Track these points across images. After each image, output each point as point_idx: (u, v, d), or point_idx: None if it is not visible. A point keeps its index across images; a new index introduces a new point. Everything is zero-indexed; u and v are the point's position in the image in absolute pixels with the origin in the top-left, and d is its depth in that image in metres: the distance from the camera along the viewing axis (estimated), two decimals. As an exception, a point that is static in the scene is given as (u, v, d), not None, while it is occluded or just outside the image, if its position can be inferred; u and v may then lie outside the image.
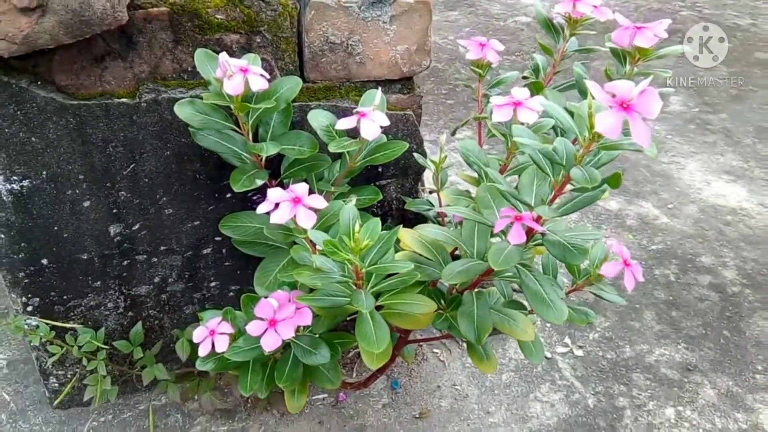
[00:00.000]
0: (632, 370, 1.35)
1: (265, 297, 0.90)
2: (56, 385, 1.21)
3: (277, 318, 0.87)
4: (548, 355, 1.38)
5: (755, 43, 3.12)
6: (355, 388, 1.26)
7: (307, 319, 0.88)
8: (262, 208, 0.83)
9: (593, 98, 0.61)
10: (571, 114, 0.69)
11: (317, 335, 0.93)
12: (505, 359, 1.37)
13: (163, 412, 1.24)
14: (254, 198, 1.13)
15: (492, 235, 0.90)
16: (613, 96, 0.61)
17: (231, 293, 1.23)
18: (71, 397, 1.23)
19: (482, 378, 1.32)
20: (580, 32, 1.08)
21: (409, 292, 0.85)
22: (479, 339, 0.81)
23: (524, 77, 1.15)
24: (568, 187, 0.73)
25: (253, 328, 0.88)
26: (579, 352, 1.39)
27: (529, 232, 0.76)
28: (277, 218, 0.81)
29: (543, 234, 0.74)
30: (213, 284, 1.21)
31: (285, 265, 1.05)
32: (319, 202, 0.83)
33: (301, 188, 0.84)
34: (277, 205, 0.83)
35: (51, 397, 1.22)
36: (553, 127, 0.95)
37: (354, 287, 0.81)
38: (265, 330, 0.87)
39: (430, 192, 1.25)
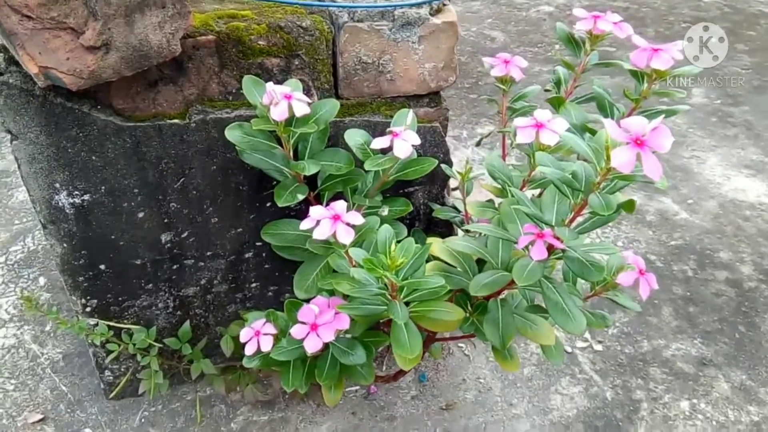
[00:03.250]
0: (649, 364, 1.42)
1: (306, 302, 0.98)
2: (111, 377, 1.31)
3: (318, 322, 0.96)
4: (568, 349, 1.45)
5: (780, 32, 3.10)
6: (386, 381, 1.35)
7: (345, 323, 0.96)
8: (304, 225, 0.91)
9: (610, 134, 0.67)
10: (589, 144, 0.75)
11: (353, 337, 1.02)
12: (527, 354, 1.44)
13: (208, 403, 1.34)
14: (292, 207, 1.21)
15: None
16: (627, 132, 0.68)
17: (270, 293, 1.32)
18: (124, 390, 1.33)
19: (505, 372, 1.40)
20: (599, 48, 1.13)
21: (438, 300, 0.92)
22: (504, 344, 0.89)
23: (546, 90, 1.21)
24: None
25: (296, 331, 0.96)
26: (598, 347, 1.46)
27: (551, 249, 0.83)
28: (318, 234, 0.89)
29: (563, 251, 0.80)
30: (254, 285, 1.30)
31: (322, 270, 1.13)
32: (356, 218, 0.91)
33: (340, 206, 0.92)
34: (318, 222, 0.91)
35: (105, 389, 1.33)
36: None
37: (389, 298, 0.89)
38: (308, 333, 0.96)
39: (454, 189, 1.30)
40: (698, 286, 1.65)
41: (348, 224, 0.90)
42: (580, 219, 0.83)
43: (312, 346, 0.95)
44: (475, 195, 1.22)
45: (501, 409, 1.32)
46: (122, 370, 1.31)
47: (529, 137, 0.90)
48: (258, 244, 1.24)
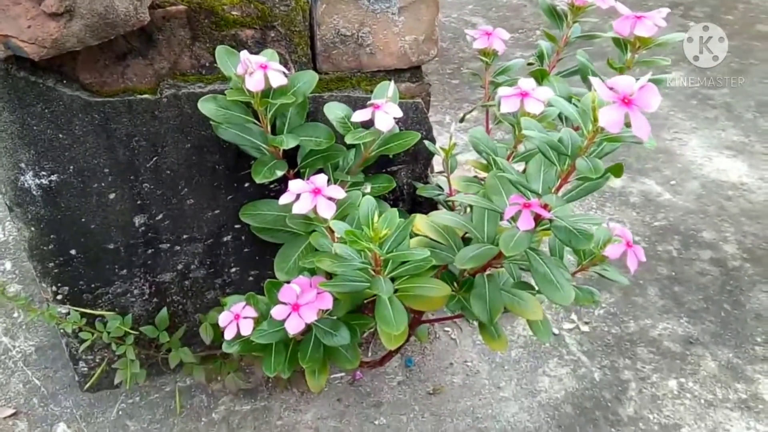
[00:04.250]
0: (636, 344, 1.41)
1: (287, 282, 0.94)
2: (85, 369, 1.27)
3: (300, 302, 0.92)
4: (556, 331, 1.43)
5: (757, 16, 3.12)
6: (371, 366, 1.32)
7: (328, 303, 0.93)
8: (284, 199, 0.88)
9: (596, 93, 0.65)
10: (575, 105, 0.72)
11: (337, 318, 0.98)
12: (514, 336, 1.42)
13: (188, 393, 1.30)
14: (271, 187, 1.17)
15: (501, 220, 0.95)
16: (615, 91, 0.65)
17: (250, 278, 1.28)
18: (100, 381, 1.29)
19: (492, 355, 1.38)
20: (582, 19, 1.11)
21: (423, 276, 0.89)
22: (491, 320, 0.86)
23: (529, 64, 1.18)
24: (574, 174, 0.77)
25: (277, 312, 0.93)
26: (585, 328, 1.44)
27: (537, 218, 0.80)
28: (298, 209, 0.85)
29: (551, 220, 0.78)
30: (233, 270, 1.26)
31: (304, 251, 1.10)
32: (337, 192, 0.87)
33: (321, 179, 0.88)
34: (298, 196, 0.87)
35: (80, 381, 1.28)
36: (559, 115, 0.98)
37: (372, 273, 0.86)
38: (289, 314, 0.92)
39: (439, 173, 1.28)
40: (683, 265, 1.64)
41: (329, 198, 0.86)
42: (567, 187, 0.81)
43: (294, 327, 0.91)
44: (459, 174, 1.19)
45: (489, 392, 1.30)
46: (97, 360, 1.26)
47: (514, 106, 0.87)
48: (236, 226, 1.20)
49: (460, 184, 1.00)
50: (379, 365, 1.32)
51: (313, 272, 1.00)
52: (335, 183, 1.06)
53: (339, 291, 0.86)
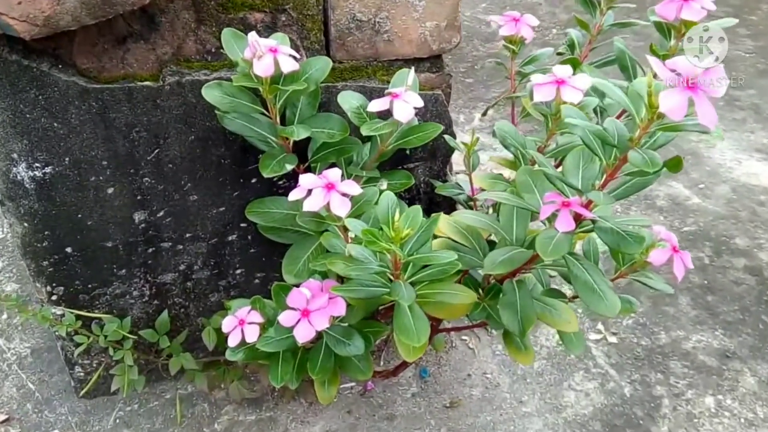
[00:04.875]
0: (669, 358, 1.32)
1: (297, 286, 0.87)
2: (81, 374, 1.19)
3: (310, 308, 0.84)
4: (581, 341, 1.34)
5: (785, 17, 3.02)
6: (384, 377, 1.24)
7: (340, 309, 0.85)
8: (294, 195, 0.80)
9: (652, 77, 0.56)
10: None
11: (349, 325, 0.90)
12: (537, 347, 1.34)
13: (189, 401, 1.23)
14: (280, 183, 1.10)
15: (531, 220, 0.87)
16: (677, 73, 0.57)
17: (257, 281, 1.20)
18: (97, 387, 1.21)
19: (514, 366, 1.29)
20: (618, 5, 1.03)
21: (446, 281, 0.81)
22: (524, 331, 0.78)
23: (559, 53, 1.10)
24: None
25: (285, 318, 0.85)
26: (613, 339, 1.35)
27: (577, 219, 0.72)
28: (310, 205, 0.78)
29: (593, 221, 0.69)
30: (238, 272, 1.18)
31: (314, 253, 1.02)
32: (352, 188, 0.80)
33: (334, 174, 0.80)
34: (309, 191, 0.79)
35: (76, 387, 1.21)
36: (595, 109, 0.90)
37: (391, 277, 0.78)
38: (298, 320, 0.84)
39: (456, 173, 1.20)
40: (716, 273, 1.54)
41: (343, 194, 0.78)
42: (610, 185, 0.72)
43: (303, 334, 0.83)
44: (479, 174, 1.10)
45: (510, 407, 1.21)
46: (94, 365, 1.19)
47: (548, 95, 0.79)
48: (242, 225, 1.12)
49: (485, 181, 0.92)
50: (392, 375, 1.24)
51: (324, 275, 0.92)
52: (349, 179, 0.98)
53: (353, 297, 0.78)
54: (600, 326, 1.38)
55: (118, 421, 1.19)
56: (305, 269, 1.01)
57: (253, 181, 1.08)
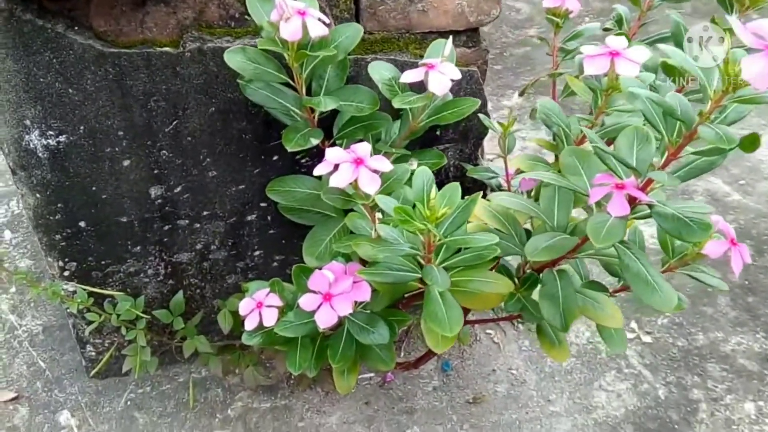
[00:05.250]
0: (706, 360, 1.24)
1: (319, 268, 0.81)
2: (93, 353, 1.15)
3: (333, 292, 0.79)
4: (613, 339, 1.27)
5: (832, 10, 2.89)
6: (404, 368, 1.18)
7: (365, 294, 0.79)
8: (319, 170, 0.74)
9: (739, 35, 0.49)
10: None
11: (373, 312, 0.85)
12: (566, 343, 1.27)
13: (203, 386, 1.18)
14: (303, 162, 1.04)
15: (576, 206, 0.80)
16: (760, 37, 0.50)
17: (275, 263, 1.15)
18: (109, 367, 1.17)
19: (541, 363, 1.23)
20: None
21: (480, 268, 0.75)
22: (566, 325, 0.72)
23: (605, 29, 1.03)
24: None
25: (306, 302, 0.79)
26: (647, 339, 1.28)
27: (631, 203, 0.65)
28: (336, 181, 0.72)
29: (650, 206, 0.63)
30: (257, 253, 1.13)
31: (337, 235, 0.97)
32: (383, 164, 0.74)
33: (363, 148, 0.75)
34: (336, 166, 0.73)
35: (88, 366, 1.17)
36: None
37: (422, 261, 0.72)
38: (320, 305, 0.79)
39: (490, 159, 1.13)
40: (757, 274, 1.46)
41: (373, 170, 0.72)
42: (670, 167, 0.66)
43: (325, 320, 0.78)
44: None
45: (537, 405, 1.15)
46: (106, 345, 1.15)
47: (601, 68, 0.72)
48: (262, 204, 1.07)
49: (524, 162, 0.85)
50: (413, 368, 1.18)
51: (347, 258, 0.87)
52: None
53: (381, 281, 0.72)
54: (633, 324, 1.31)
55: (129, 403, 1.16)
56: (327, 251, 0.96)
57: (275, 158, 1.02)
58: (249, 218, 1.08)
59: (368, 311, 0.85)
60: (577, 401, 1.16)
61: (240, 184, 1.03)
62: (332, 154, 0.74)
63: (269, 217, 1.09)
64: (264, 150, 1.01)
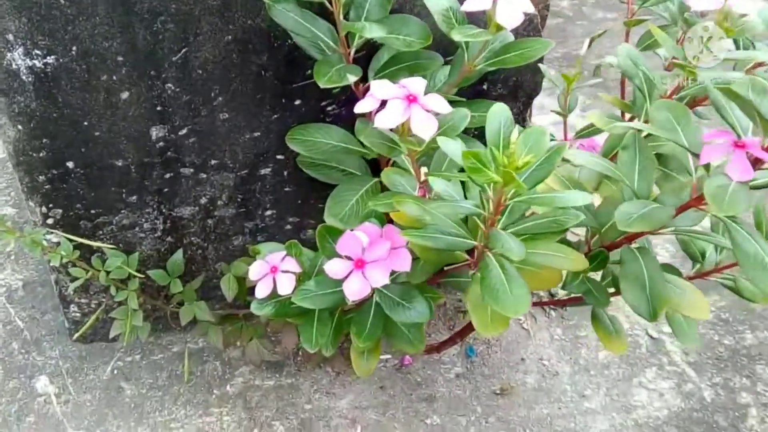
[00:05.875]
0: (755, 361, 1.13)
1: (351, 230, 0.68)
2: (78, 314, 1.02)
3: (367, 258, 0.66)
4: (654, 334, 1.16)
5: None
6: (426, 351, 1.06)
7: (404, 262, 0.67)
8: (362, 106, 0.61)
9: None
10: None
11: (411, 285, 0.72)
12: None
13: (199, 357, 1.06)
14: (329, 109, 0.91)
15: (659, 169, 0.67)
16: None
17: (288, 226, 1.02)
18: (95, 331, 1.05)
19: (574, 354, 1.11)
20: None
21: (549, 239, 0.62)
22: (655, 312, 0.59)
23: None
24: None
25: (333, 268, 0.67)
26: (690, 333, 1.16)
27: (756, 164, 0.52)
28: (384, 121, 0.59)
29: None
30: (268, 213, 1.00)
31: (366, 195, 0.84)
32: (441, 104, 0.60)
33: (417, 84, 0.61)
34: (383, 103, 0.60)
35: (71, 329, 1.04)
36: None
37: (482, 226, 0.59)
38: (350, 272, 0.66)
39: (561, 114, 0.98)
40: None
41: (429, 111, 0.59)
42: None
43: (355, 290, 0.65)
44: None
45: (571, 400, 1.03)
46: (92, 306, 1.02)
47: (712, 3, 0.59)
48: (279, 157, 0.93)
49: (601, 119, 0.72)
50: (435, 351, 1.06)
51: (382, 221, 0.74)
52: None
53: (432, 246, 0.59)
54: (675, 317, 1.19)
55: (116, 372, 1.03)
56: (354, 214, 0.83)
57: (298, 102, 0.89)
58: (262, 172, 0.94)
59: (403, 284, 0.72)
60: (614, 399, 1.04)
61: (255, 131, 0.90)
62: (380, 87, 0.60)
63: (285, 173, 0.95)
64: (285, 92, 0.87)
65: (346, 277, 0.66)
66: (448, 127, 0.64)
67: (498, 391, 1.04)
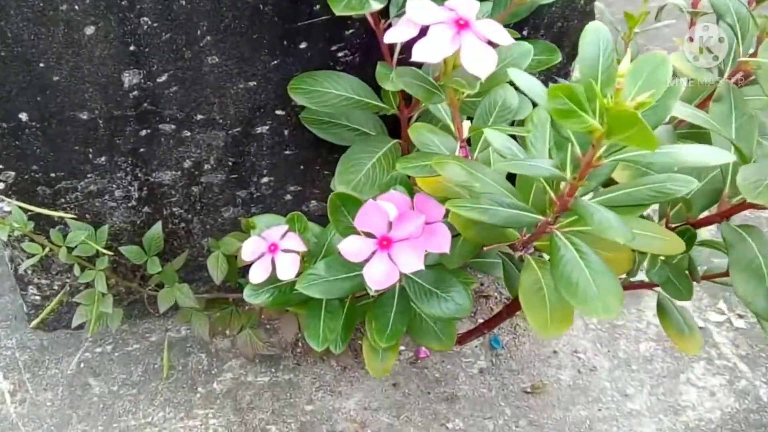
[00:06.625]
0: (814, 356, 1.00)
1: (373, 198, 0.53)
2: (37, 297, 0.87)
3: (394, 236, 0.51)
4: (700, 323, 1.02)
5: None
6: (445, 343, 0.92)
7: (443, 242, 0.52)
8: (394, 35, 0.46)
9: None
10: None
11: (444, 270, 0.57)
12: (642, 324, 1.02)
13: (182, 349, 0.91)
14: (340, 56, 0.75)
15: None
16: None
17: (288, 196, 0.87)
18: (58, 317, 0.90)
19: (613, 346, 0.98)
20: None
21: (634, 213, 0.48)
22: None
23: None
24: None
25: (351, 248, 0.52)
26: (739, 323, 1.03)
27: None
28: (426, 53, 0.44)
29: None
30: (265, 180, 0.85)
31: (385, 159, 0.70)
32: (500, 32, 0.45)
33: (469, 6, 0.46)
34: (423, 30, 0.45)
35: (30, 314, 0.89)
36: None
37: (551, 193, 0.44)
38: (373, 253, 0.51)
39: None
40: None
41: (485, 40, 0.44)
42: None
43: (381, 277, 0.50)
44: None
45: (612, 401, 0.90)
46: (55, 288, 0.87)
47: None
48: (278, 112, 0.78)
49: (683, 62, 0.57)
50: (457, 343, 0.92)
51: (409, 190, 0.59)
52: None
53: (485, 221, 0.45)
54: (722, 305, 1.06)
55: (82, 365, 0.88)
56: (370, 181, 0.69)
57: (303, 46, 0.73)
58: (258, 130, 0.79)
59: (434, 267, 0.58)
60: (661, 398, 0.91)
61: (250, 80, 0.74)
62: (419, 9, 0.45)
63: (286, 132, 0.80)
64: (288, 32, 0.71)
65: (368, 259, 0.51)
66: (507, 63, 0.49)
67: (528, 390, 0.91)
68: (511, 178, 0.51)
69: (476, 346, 0.96)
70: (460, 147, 0.53)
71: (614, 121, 0.33)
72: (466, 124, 0.53)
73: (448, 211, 0.52)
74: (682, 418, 0.89)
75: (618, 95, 0.34)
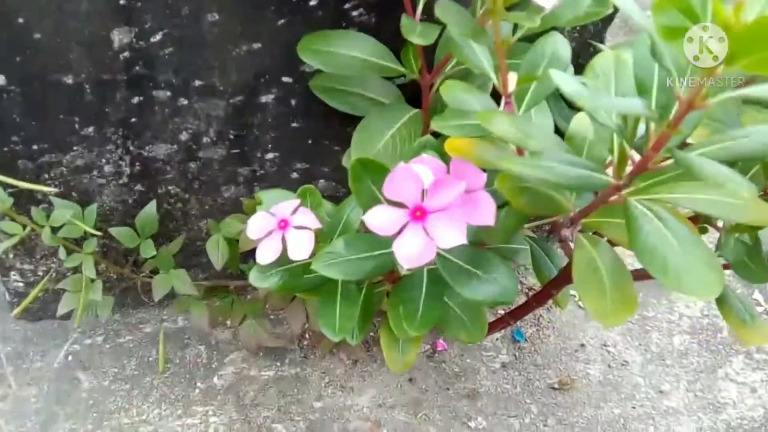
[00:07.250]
0: None
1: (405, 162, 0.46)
2: (20, 284, 0.80)
3: (429, 206, 0.44)
4: (736, 314, 0.96)
5: None
6: (464, 334, 0.85)
7: (487, 213, 0.45)
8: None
9: None
10: None
11: (483, 247, 0.50)
12: (674, 315, 0.95)
13: (179, 341, 0.84)
14: (354, 14, 0.68)
15: None
16: None
17: (295, 173, 0.80)
18: (44, 305, 0.82)
19: (645, 338, 0.91)
20: None
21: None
22: None
23: None
24: None
25: (379, 220, 0.44)
26: (777, 315, 0.97)
27: None
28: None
29: None
30: (269, 156, 0.77)
31: (406, 129, 0.62)
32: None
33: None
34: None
35: (12, 302, 0.81)
36: None
37: (627, 147, 0.37)
38: (404, 226, 0.44)
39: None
40: None
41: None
42: None
43: (415, 253, 0.43)
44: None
45: (647, 398, 0.83)
46: (40, 273, 0.80)
47: None
48: (285, 79, 0.70)
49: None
50: (478, 335, 0.85)
51: (442, 154, 0.51)
52: None
53: (551, 180, 0.37)
54: (757, 295, 0.99)
55: (70, 358, 0.81)
56: (390, 154, 0.61)
57: (312, 3, 0.65)
58: (263, 99, 0.71)
59: (472, 244, 0.50)
60: (699, 395, 0.85)
61: (254, 41, 0.66)
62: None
63: (293, 101, 0.72)
64: (297, -14, 0.64)
65: (399, 233, 0.44)
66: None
67: (556, 386, 0.84)
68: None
69: (497, 339, 0.88)
70: (506, 102, 0.45)
71: (742, 40, 0.26)
72: (513, 76, 0.46)
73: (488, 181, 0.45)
74: (722, 417, 0.83)
75: (740, 9, 0.27)
